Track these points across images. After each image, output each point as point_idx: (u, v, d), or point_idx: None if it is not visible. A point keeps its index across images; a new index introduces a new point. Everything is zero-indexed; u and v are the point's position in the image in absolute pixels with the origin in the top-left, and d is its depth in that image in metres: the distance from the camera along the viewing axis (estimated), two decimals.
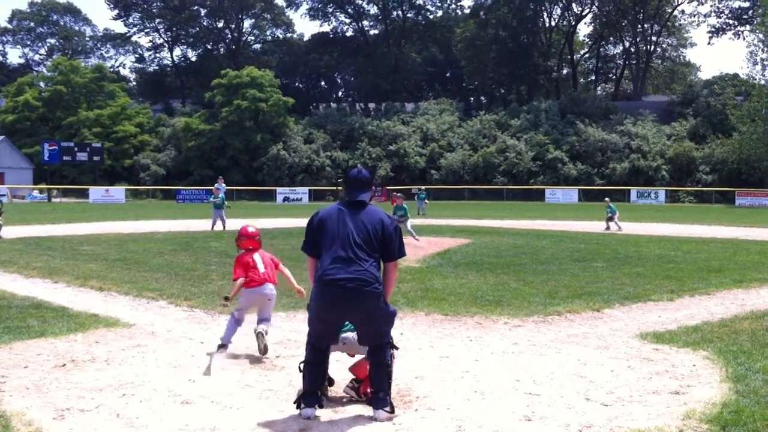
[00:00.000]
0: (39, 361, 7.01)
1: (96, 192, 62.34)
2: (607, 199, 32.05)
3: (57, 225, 27.09)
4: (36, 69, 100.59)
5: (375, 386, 5.44)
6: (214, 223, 26.36)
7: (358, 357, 6.04)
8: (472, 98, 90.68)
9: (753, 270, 14.22)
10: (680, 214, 40.77)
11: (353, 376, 5.99)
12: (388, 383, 5.44)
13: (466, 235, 22.88)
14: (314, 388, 5.45)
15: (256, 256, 7.52)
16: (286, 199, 63.70)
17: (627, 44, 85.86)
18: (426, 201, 39.61)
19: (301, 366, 5.54)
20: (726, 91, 68.09)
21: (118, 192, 63.28)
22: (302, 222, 30.18)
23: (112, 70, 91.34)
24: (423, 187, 50.97)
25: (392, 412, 5.35)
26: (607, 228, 27.78)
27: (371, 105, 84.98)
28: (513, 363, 7.05)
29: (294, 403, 5.53)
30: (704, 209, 48.82)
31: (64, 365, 6.85)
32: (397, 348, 5.75)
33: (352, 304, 5.25)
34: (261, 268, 7.44)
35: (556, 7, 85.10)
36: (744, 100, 63.71)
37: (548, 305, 10.15)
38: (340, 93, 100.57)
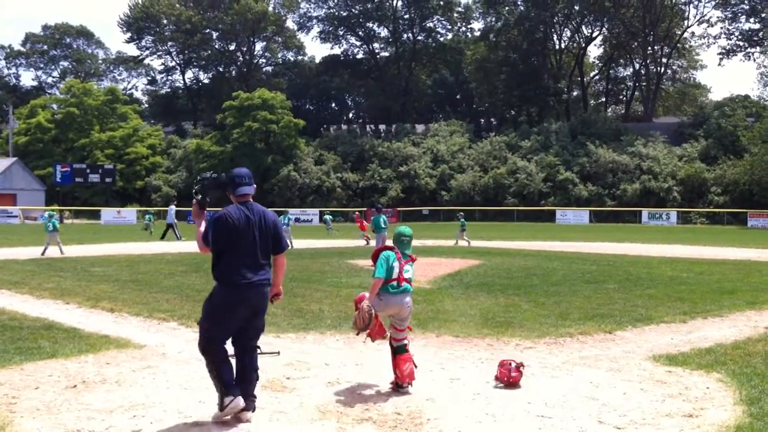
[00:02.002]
0: (50, 382, 7.02)
1: (108, 213, 62.65)
2: (460, 213, 33.27)
3: (68, 246, 27.17)
4: (49, 91, 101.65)
5: (250, 389, 5.91)
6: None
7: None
8: (482, 120, 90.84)
9: (766, 292, 14.10)
10: (692, 235, 40.58)
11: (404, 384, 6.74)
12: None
13: (477, 257, 22.84)
14: (232, 380, 5.82)
15: None
16: (296, 220, 63.70)
17: (637, 66, 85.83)
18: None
19: (210, 369, 5.83)
20: (737, 112, 67.99)
21: (129, 213, 63.55)
22: (313, 243, 30.31)
23: (124, 92, 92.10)
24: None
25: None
26: (456, 243, 29.95)
27: (382, 127, 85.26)
28: (525, 385, 7.00)
29: (218, 406, 5.77)
30: (716, 231, 48.59)
31: (75, 386, 6.85)
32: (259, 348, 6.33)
33: (261, 301, 5.92)
34: None
35: (566, 29, 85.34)
36: (755, 121, 63.60)
37: (560, 327, 10.10)
38: (350, 115, 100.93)
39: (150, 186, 73.50)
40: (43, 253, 23.48)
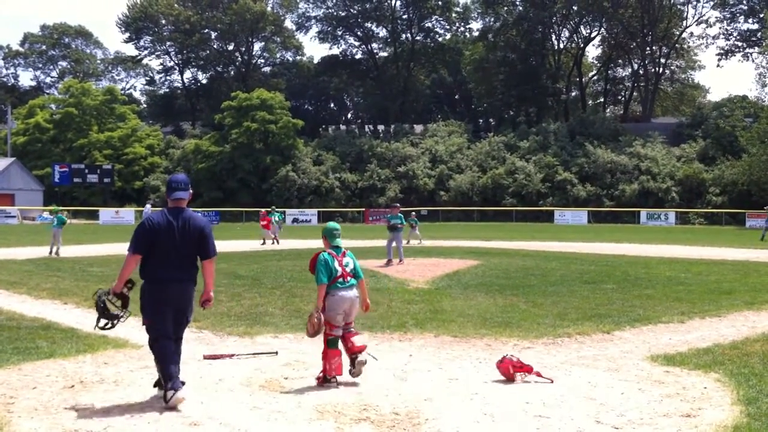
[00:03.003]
0: (48, 382, 7.01)
1: (106, 213, 62.61)
2: (413, 213, 34.64)
3: (67, 246, 27.14)
4: (47, 91, 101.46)
5: (177, 375, 6.26)
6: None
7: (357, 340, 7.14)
8: (480, 120, 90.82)
9: (764, 292, 14.11)
10: (690, 235, 40.58)
11: (356, 354, 7.01)
12: None
13: (475, 257, 22.81)
14: (177, 372, 6.28)
15: None
16: (295, 220, 63.74)
17: (636, 66, 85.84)
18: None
19: (156, 363, 6.31)
20: (735, 113, 68.04)
21: (128, 213, 63.47)
22: (312, 243, 30.27)
23: (122, 92, 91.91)
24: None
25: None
26: (408, 242, 30.11)
27: (380, 127, 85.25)
28: (523, 385, 7.01)
29: (163, 398, 6.12)
30: (714, 231, 48.59)
31: (72, 386, 6.84)
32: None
33: (186, 295, 6.41)
34: None
35: (564, 29, 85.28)
36: (753, 122, 63.59)
37: (558, 327, 10.09)
38: (349, 115, 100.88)
39: (148, 186, 73.39)
40: (50, 252, 23.37)
